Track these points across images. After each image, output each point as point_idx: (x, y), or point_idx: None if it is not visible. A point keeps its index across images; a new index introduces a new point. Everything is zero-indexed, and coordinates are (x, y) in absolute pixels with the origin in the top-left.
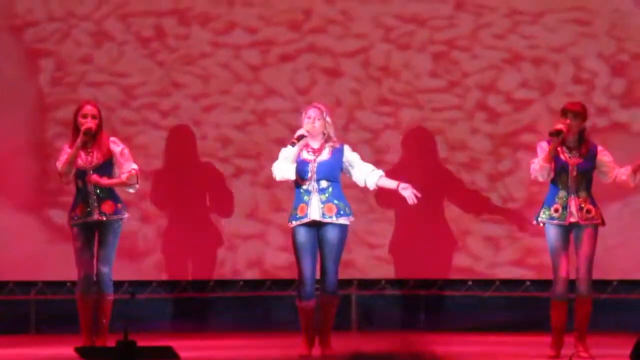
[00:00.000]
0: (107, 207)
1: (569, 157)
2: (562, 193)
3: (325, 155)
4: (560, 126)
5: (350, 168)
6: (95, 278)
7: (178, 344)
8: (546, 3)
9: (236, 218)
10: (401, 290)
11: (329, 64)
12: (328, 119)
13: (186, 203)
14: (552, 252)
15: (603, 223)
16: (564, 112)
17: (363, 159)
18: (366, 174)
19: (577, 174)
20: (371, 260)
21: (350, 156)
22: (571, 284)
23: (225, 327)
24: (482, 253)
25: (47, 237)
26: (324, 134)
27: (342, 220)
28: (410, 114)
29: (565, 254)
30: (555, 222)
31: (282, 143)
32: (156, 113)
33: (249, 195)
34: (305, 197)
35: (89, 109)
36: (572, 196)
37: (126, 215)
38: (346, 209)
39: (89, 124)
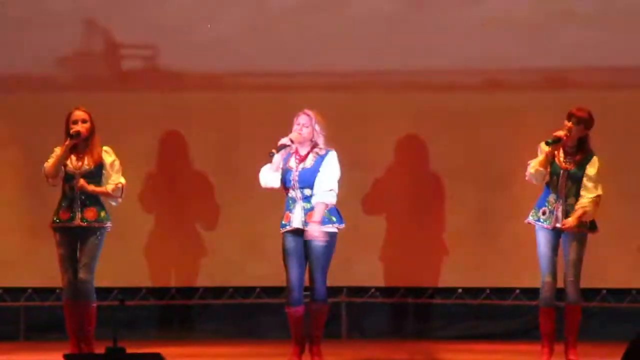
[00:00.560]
0: (90, 213)
1: (563, 162)
2: (552, 197)
3: (308, 162)
4: (560, 133)
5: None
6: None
7: (167, 351)
8: None
9: (225, 225)
10: (391, 298)
11: None
12: (317, 126)
13: (176, 210)
14: (540, 257)
15: (592, 230)
16: (569, 116)
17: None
18: (315, 190)
19: (567, 179)
20: (361, 267)
21: (324, 163)
22: (561, 292)
23: (214, 335)
24: (472, 261)
25: (38, 242)
26: (311, 141)
27: (327, 228)
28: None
29: (553, 259)
30: (540, 224)
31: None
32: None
33: (237, 202)
34: (291, 205)
35: (78, 114)
36: (561, 201)
37: (109, 224)
38: (332, 217)
39: (77, 127)
